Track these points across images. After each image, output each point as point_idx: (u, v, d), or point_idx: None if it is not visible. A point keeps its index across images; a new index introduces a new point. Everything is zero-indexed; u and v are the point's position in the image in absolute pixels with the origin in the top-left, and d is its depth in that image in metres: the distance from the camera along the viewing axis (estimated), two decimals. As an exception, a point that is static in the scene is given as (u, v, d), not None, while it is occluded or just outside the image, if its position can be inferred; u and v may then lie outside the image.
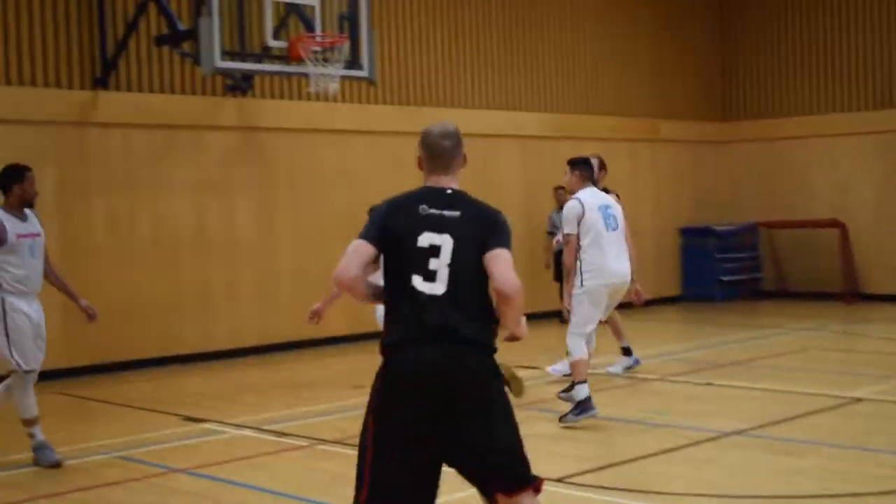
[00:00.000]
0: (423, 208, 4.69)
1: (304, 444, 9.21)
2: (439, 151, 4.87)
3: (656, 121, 20.44)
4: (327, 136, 15.48)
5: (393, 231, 4.66)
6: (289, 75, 13.88)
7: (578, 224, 9.93)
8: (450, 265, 4.60)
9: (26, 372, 8.57)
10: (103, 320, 13.18)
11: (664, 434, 9.17)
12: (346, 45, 13.04)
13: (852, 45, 20.02)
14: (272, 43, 13.04)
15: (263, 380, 12.49)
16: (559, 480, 7.66)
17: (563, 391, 10.28)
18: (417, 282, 4.58)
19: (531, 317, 17.25)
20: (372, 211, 4.83)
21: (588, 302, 9.98)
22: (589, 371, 12.04)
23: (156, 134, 14.03)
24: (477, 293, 4.66)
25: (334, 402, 10.82)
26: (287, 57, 12.94)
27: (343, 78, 13.10)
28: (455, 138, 4.91)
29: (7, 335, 8.44)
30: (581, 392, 9.55)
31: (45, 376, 12.61)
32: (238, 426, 10.03)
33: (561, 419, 9.55)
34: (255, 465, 8.51)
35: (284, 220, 15.01)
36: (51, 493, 7.86)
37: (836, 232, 19.60)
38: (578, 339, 9.99)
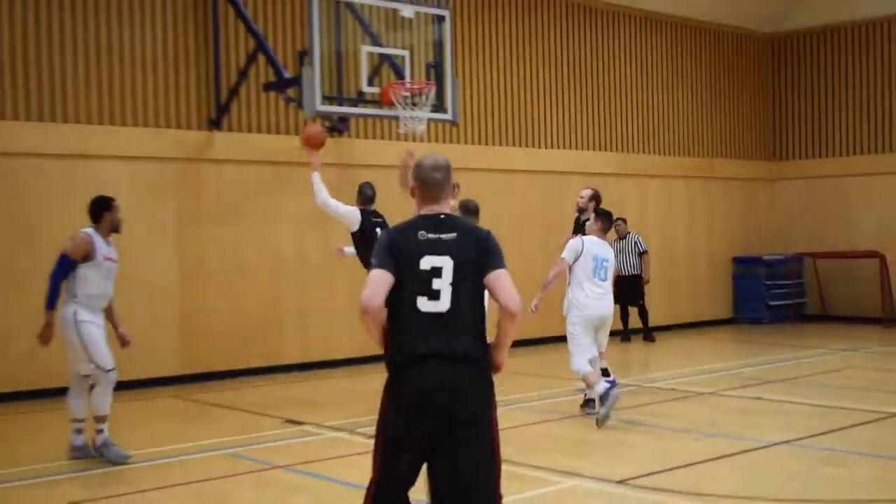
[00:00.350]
0: (423, 234, 4.69)
1: (392, 446, 9.24)
2: (431, 183, 4.85)
3: (712, 160, 20.30)
4: (414, 172, 15.52)
5: (398, 258, 4.63)
6: (381, 118, 13.98)
7: (574, 260, 10.35)
8: (452, 284, 4.60)
9: (108, 371, 8.57)
10: (216, 334, 13.49)
11: (718, 443, 9.06)
12: (433, 91, 13.09)
13: (892, 91, 19.77)
14: (366, 89, 13.12)
15: (355, 388, 12.55)
16: (620, 482, 7.62)
17: (586, 406, 10.65)
18: (422, 302, 4.59)
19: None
20: (379, 237, 4.79)
21: (574, 328, 10.33)
22: (650, 386, 12.01)
23: (263, 169, 14.20)
24: (475, 309, 4.69)
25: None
26: (379, 101, 13.01)
27: (429, 120, 13.16)
28: (445, 171, 4.89)
29: (83, 344, 8.47)
30: (600, 387, 9.71)
31: (164, 382, 12.91)
32: (333, 429, 10.09)
33: (598, 423, 9.61)
34: (347, 464, 8.54)
35: (375, 247, 15.08)
36: (168, 483, 7.97)
37: (876, 262, 19.28)
38: (580, 359, 10.18)
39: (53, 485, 8.03)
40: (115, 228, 8.80)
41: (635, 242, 17.39)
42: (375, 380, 12.86)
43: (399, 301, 4.63)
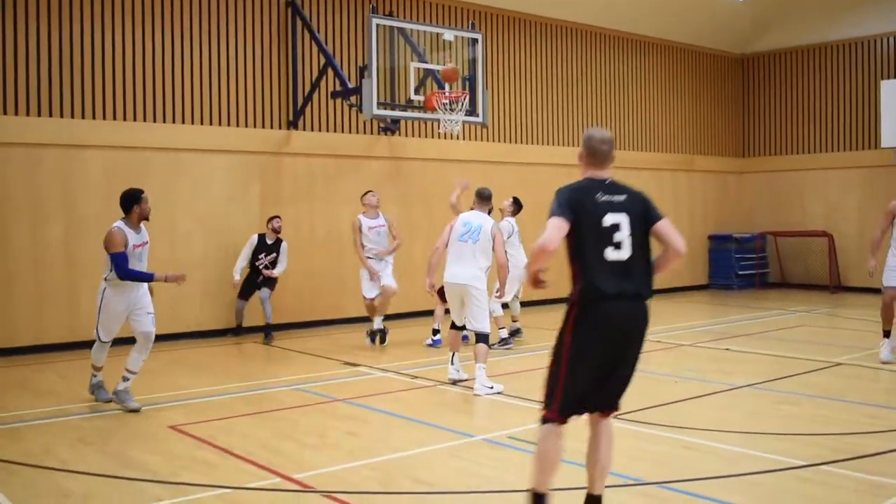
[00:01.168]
0: (600, 195, 4.62)
1: (429, 384, 9.12)
2: (600, 153, 4.77)
3: (692, 156, 19.97)
4: (451, 165, 15.39)
5: (580, 213, 4.55)
6: (425, 120, 13.81)
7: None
8: (630, 236, 4.58)
9: (103, 342, 8.11)
10: (291, 292, 13.43)
11: (695, 385, 8.88)
12: (467, 99, 12.95)
13: (843, 100, 19.34)
14: (414, 97, 13.00)
15: (401, 337, 12.42)
16: (616, 417, 7.43)
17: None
18: (609, 252, 4.54)
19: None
20: (559, 193, 4.66)
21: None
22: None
23: (330, 161, 14.08)
24: (646, 255, 4.67)
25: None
26: (424, 107, 12.88)
27: (464, 122, 13.01)
28: (610, 143, 4.82)
29: (98, 313, 7.97)
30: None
31: (250, 330, 12.86)
32: (382, 369, 9.98)
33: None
34: (393, 398, 8.45)
35: (420, 224, 14.95)
36: (248, 412, 7.89)
37: (826, 240, 19.01)
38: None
39: (160, 410, 7.99)
40: (143, 217, 7.97)
41: (630, 222, 17.17)
42: (418, 332, 12.83)
43: (587, 251, 4.55)
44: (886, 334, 10.04)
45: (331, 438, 6.94)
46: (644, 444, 6.61)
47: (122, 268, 7.74)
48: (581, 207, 4.56)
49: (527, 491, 4.73)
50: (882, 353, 9.99)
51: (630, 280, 4.55)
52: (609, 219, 4.56)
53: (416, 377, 9.47)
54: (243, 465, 6.19)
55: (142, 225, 8.04)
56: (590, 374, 4.59)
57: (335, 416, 7.73)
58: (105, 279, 7.92)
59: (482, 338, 8.74)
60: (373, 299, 11.75)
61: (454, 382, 9.02)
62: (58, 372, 10.07)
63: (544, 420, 4.64)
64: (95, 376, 8.33)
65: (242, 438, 6.92)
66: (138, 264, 7.92)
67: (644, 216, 4.68)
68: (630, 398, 8.20)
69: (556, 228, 4.50)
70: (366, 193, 12.20)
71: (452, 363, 9.10)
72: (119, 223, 7.90)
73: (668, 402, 8.09)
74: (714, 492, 5.45)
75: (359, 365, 10.27)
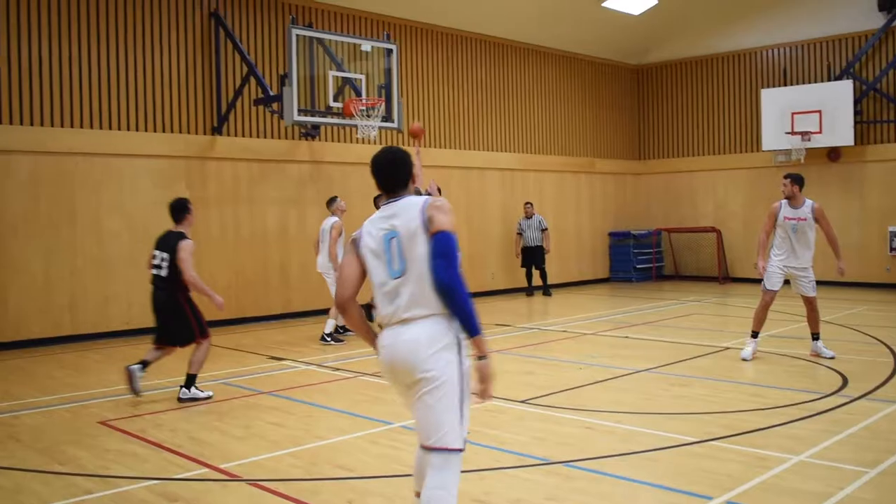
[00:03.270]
0: None
1: (351, 376, 9.08)
2: None
3: (593, 159, 20.30)
4: (369, 168, 15.34)
5: None
6: (343, 126, 13.75)
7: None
8: None
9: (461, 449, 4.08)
10: (217, 290, 12.87)
11: (596, 370, 9.03)
12: (382, 106, 12.96)
13: (728, 107, 19.92)
14: (333, 104, 12.95)
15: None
16: (523, 402, 7.54)
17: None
18: None
19: (508, 291, 17.10)
20: None
21: None
22: (547, 329, 11.86)
23: (253, 165, 13.89)
24: None
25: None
26: (342, 113, 12.83)
27: (380, 128, 13.00)
28: None
29: (461, 390, 3.82)
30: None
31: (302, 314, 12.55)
32: (306, 363, 9.89)
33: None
34: (316, 390, 8.39)
35: (341, 224, 14.87)
36: (177, 407, 7.74)
37: (714, 235, 19.55)
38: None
39: (90, 407, 7.76)
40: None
41: (539, 221, 17.35)
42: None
43: None
44: (755, 335, 9.61)
45: (256, 429, 6.85)
46: (550, 426, 6.71)
47: (454, 267, 3.68)
48: None
49: None
50: (745, 351, 9.54)
51: None
52: None
53: (338, 369, 9.42)
54: (172, 457, 6.07)
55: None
56: None
57: (260, 409, 7.63)
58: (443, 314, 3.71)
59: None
60: None
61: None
62: (-14, 372, 9.72)
63: None
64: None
65: (171, 432, 6.79)
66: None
67: None
68: (536, 384, 8.39)
69: None
70: (336, 199, 11.82)
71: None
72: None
73: (572, 386, 8.21)
74: (615, 468, 5.56)
75: (283, 359, 10.17)
